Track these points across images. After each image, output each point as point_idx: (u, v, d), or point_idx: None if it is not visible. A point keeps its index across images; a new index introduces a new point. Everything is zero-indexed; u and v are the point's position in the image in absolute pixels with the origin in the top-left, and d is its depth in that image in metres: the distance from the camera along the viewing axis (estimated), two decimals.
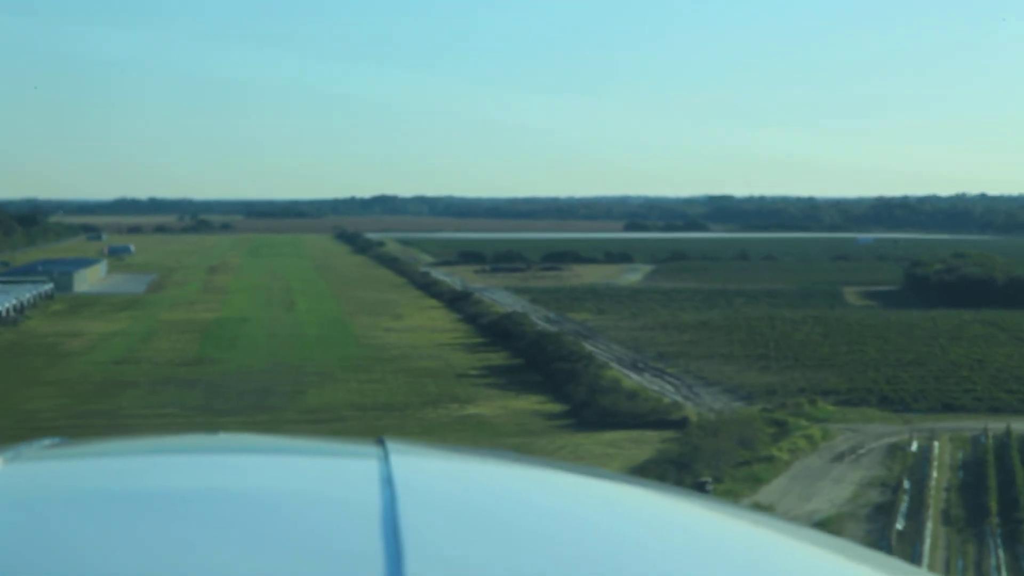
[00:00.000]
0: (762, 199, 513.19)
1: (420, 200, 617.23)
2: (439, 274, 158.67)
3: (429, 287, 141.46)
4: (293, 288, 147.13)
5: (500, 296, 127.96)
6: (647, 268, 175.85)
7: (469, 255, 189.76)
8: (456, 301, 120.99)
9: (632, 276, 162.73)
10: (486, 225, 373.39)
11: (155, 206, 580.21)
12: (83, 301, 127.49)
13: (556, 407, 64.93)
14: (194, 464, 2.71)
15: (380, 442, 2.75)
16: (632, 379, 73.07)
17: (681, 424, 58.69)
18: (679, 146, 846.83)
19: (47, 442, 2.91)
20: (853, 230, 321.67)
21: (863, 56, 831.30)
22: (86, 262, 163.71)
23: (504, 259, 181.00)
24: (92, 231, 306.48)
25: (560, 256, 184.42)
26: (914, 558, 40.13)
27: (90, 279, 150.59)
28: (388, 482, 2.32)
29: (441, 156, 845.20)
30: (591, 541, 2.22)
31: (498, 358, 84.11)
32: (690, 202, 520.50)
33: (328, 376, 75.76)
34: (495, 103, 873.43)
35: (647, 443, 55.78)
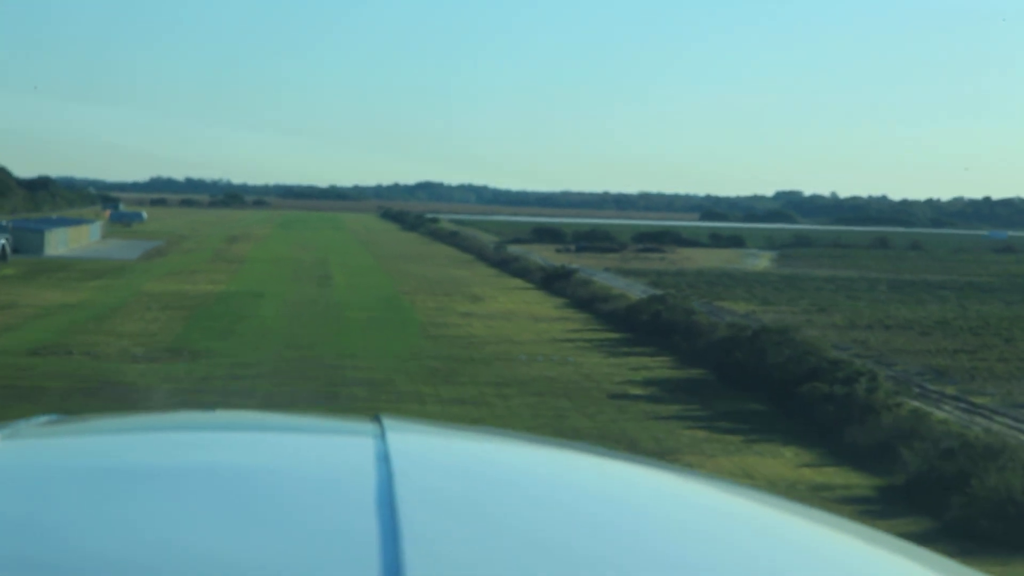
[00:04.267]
0: (835, 196, 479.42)
1: (467, 188, 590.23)
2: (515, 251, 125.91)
3: (507, 264, 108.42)
4: (330, 261, 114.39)
5: (605, 278, 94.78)
6: (768, 254, 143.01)
7: (544, 232, 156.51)
8: (552, 281, 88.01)
9: (756, 261, 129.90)
10: (542, 212, 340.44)
11: (191, 186, 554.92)
12: (49, 266, 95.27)
13: (849, 476, 32.04)
14: (189, 441, 2.65)
15: (376, 419, 2.67)
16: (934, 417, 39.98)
17: None
18: (734, 145, 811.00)
19: (44, 419, 2.84)
20: (953, 226, 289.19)
21: (911, 61, 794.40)
22: (69, 222, 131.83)
23: (588, 238, 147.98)
24: (111, 201, 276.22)
25: (655, 237, 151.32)
26: None
27: (72, 242, 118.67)
28: (384, 459, 2.26)
29: (487, 147, 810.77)
30: (594, 519, 2.17)
31: (659, 364, 51.28)
32: (757, 199, 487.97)
33: (384, 387, 43.15)
34: (541, 96, 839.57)
35: None
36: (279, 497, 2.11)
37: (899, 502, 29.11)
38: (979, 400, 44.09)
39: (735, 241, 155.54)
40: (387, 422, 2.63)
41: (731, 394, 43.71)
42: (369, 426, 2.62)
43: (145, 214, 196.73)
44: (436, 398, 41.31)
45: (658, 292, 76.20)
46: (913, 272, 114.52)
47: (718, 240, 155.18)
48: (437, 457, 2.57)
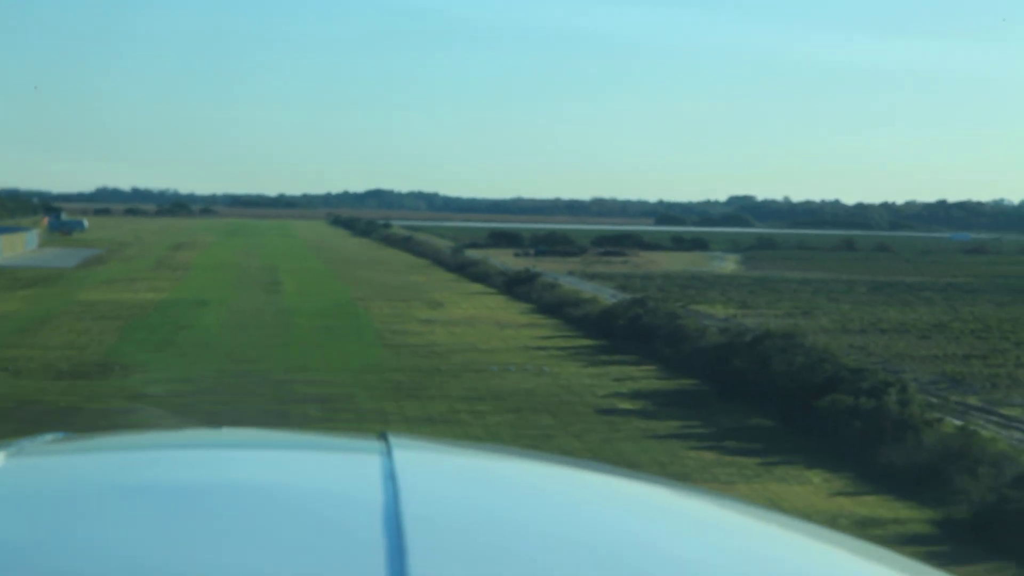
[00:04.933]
0: (787, 200, 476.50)
1: (417, 196, 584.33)
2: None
3: (465, 268, 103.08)
4: (278, 267, 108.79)
5: (570, 282, 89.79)
6: (732, 256, 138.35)
7: (501, 236, 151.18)
8: (515, 285, 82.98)
9: (723, 264, 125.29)
10: (494, 218, 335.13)
11: (138, 196, 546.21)
12: None
13: (896, 507, 27.06)
14: (196, 459, 2.66)
15: (383, 437, 2.67)
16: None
17: None
18: (685, 151, 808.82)
19: (49, 437, 2.85)
20: (911, 229, 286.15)
21: (866, 70, 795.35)
22: (2, 230, 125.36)
23: (547, 242, 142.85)
24: (53, 211, 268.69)
25: (616, 241, 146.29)
26: None
27: (6, 250, 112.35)
28: (391, 477, 2.28)
29: (437, 154, 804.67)
30: (598, 537, 2.17)
31: (644, 374, 46.31)
32: (710, 204, 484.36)
33: (341, 404, 37.93)
34: (490, 103, 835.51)
35: None
36: (286, 515, 2.09)
37: (969, 541, 24.15)
38: (1008, 412, 39.39)
39: (698, 244, 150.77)
40: (393, 440, 2.62)
41: (732, 407, 38.78)
42: (376, 444, 2.61)
43: (86, 222, 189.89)
44: (401, 416, 36.11)
45: (630, 296, 71.23)
46: (887, 273, 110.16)
47: (680, 243, 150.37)
48: (443, 475, 2.54)
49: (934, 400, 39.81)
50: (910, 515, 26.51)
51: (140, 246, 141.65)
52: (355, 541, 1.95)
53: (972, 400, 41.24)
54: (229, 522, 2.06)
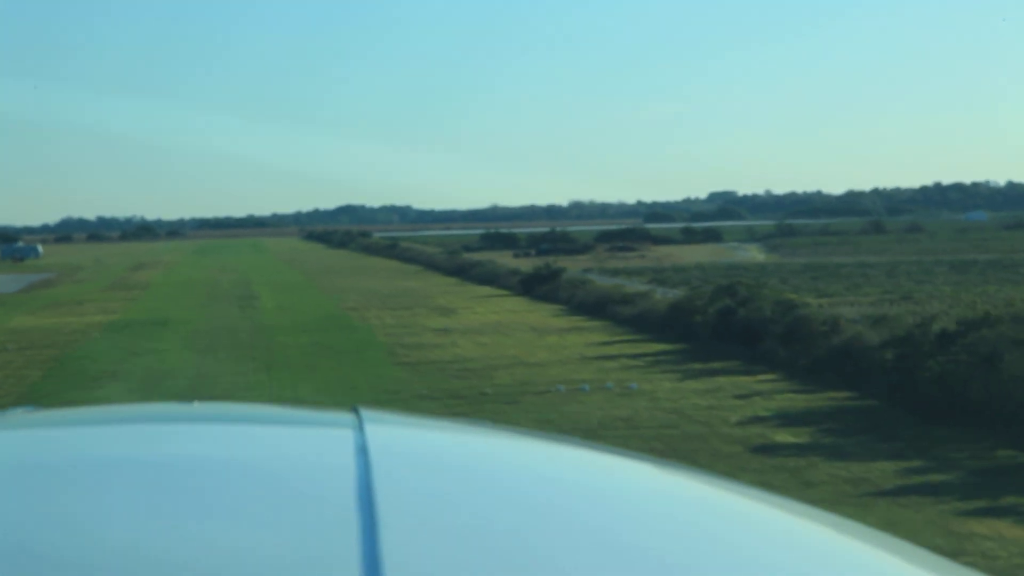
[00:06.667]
0: (770, 194, 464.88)
1: (390, 209, 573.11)
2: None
3: (466, 271, 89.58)
4: (252, 280, 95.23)
5: (595, 279, 76.49)
6: (753, 246, 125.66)
7: (494, 239, 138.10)
8: (535, 284, 70.02)
9: (747, 254, 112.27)
10: (473, 227, 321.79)
11: (104, 225, 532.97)
12: None
13: None
14: (164, 433, 2.59)
15: (355, 410, 2.60)
16: None
17: None
18: (660, 151, 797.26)
19: (20, 410, 2.80)
20: (911, 213, 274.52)
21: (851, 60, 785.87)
22: None
23: (548, 241, 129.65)
24: (8, 240, 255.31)
25: (621, 236, 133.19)
26: None
27: None
28: (363, 451, 2.22)
29: (408, 167, 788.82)
30: (573, 512, 2.12)
31: (771, 386, 32.89)
32: (691, 201, 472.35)
33: None
34: (459, 111, 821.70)
35: None
36: (255, 489, 2.06)
37: None
38: None
39: (711, 235, 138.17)
40: (365, 414, 2.55)
41: (943, 433, 25.65)
42: (347, 417, 2.54)
43: (41, 248, 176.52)
44: None
45: (701, 286, 58.02)
46: (943, 253, 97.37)
47: (692, 235, 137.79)
48: (416, 450, 2.48)
49: None
50: None
51: (96, 269, 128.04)
52: (327, 515, 1.89)
53: None
54: (198, 496, 2.00)
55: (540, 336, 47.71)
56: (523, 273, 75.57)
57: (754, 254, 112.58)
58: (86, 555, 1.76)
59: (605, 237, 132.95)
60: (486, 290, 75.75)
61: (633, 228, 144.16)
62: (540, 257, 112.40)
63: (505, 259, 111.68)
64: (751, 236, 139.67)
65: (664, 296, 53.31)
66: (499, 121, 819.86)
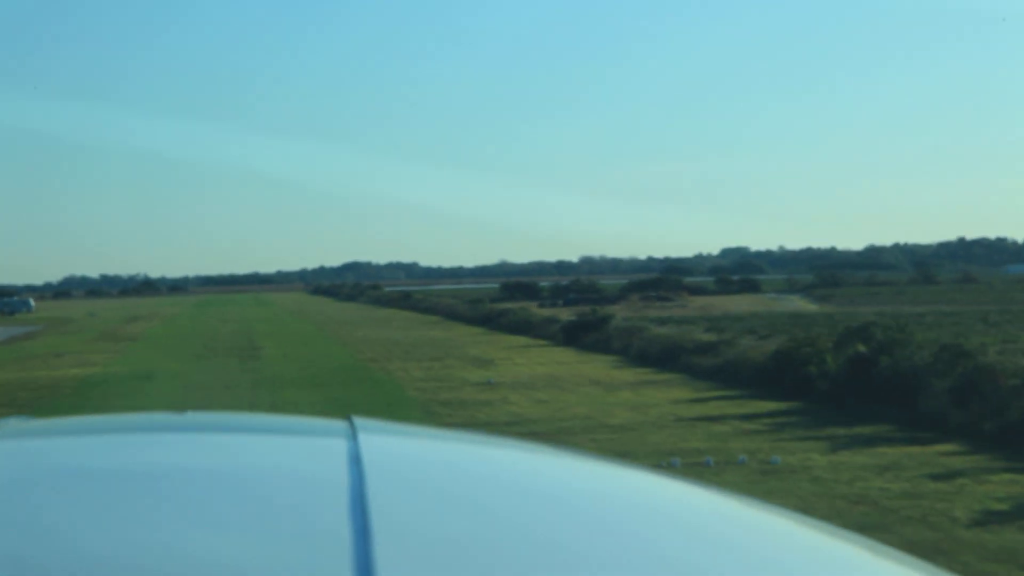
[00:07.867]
0: (783, 249, 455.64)
1: (396, 266, 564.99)
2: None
3: (493, 320, 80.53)
4: (255, 331, 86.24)
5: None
6: (794, 296, 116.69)
7: (516, 289, 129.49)
8: (580, 333, 60.83)
9: (792, 304, 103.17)
10: (484, 282, 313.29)
11: (107, 283, 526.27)
12: None
13: None
14: (159, 442, 2.57)
15: (348, 420, 2.61)
16: None
17: None
18: (669, 209, 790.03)
19: (12, 420, 2.78)
20: (939, 267, 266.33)
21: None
22: None
23: (572, 292, 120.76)
24: (7, 296, 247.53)
25: (653, 285, 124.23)
26: None
27: None
28: (356, 460, 2.22)
29: (413, 224, 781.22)
30: (565, 520, 2.11)
31: (963, 462, 23.93)
32: (703, 257, 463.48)
33: None
34: (464, 170, 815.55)
35: None
36: (248, 499, 2.05)
37: None
38: None
39: (748, 286, 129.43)
40: (359, 423, 2.55)
41: None
42: (341, 426, 2.54)
43: (33, 303, 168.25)
44: None
45: (822, 331, 48.81)
46: (1014, 303, 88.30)
47: (727, 285, 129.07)
48: (410, 459, 2.47)
49: None
50: None
51: (87, 321, 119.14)
52: (320, 525, 1.88)
53: None
54: (191, 506, 1.99)
55: (609, 391, 38.59)
56: (563, 321, 66.40)
57: (801, 304, 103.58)
58: (78, 566, 1.74)
59: (635, 287, 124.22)
60: (521, 339, 66.67)
61: (663, 277, 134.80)
62: (568, 307, 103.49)
63: (530, 309, 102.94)
64: (790, 287, 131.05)
65: (756, 344, 44.01)
66: (505, 175, 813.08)
